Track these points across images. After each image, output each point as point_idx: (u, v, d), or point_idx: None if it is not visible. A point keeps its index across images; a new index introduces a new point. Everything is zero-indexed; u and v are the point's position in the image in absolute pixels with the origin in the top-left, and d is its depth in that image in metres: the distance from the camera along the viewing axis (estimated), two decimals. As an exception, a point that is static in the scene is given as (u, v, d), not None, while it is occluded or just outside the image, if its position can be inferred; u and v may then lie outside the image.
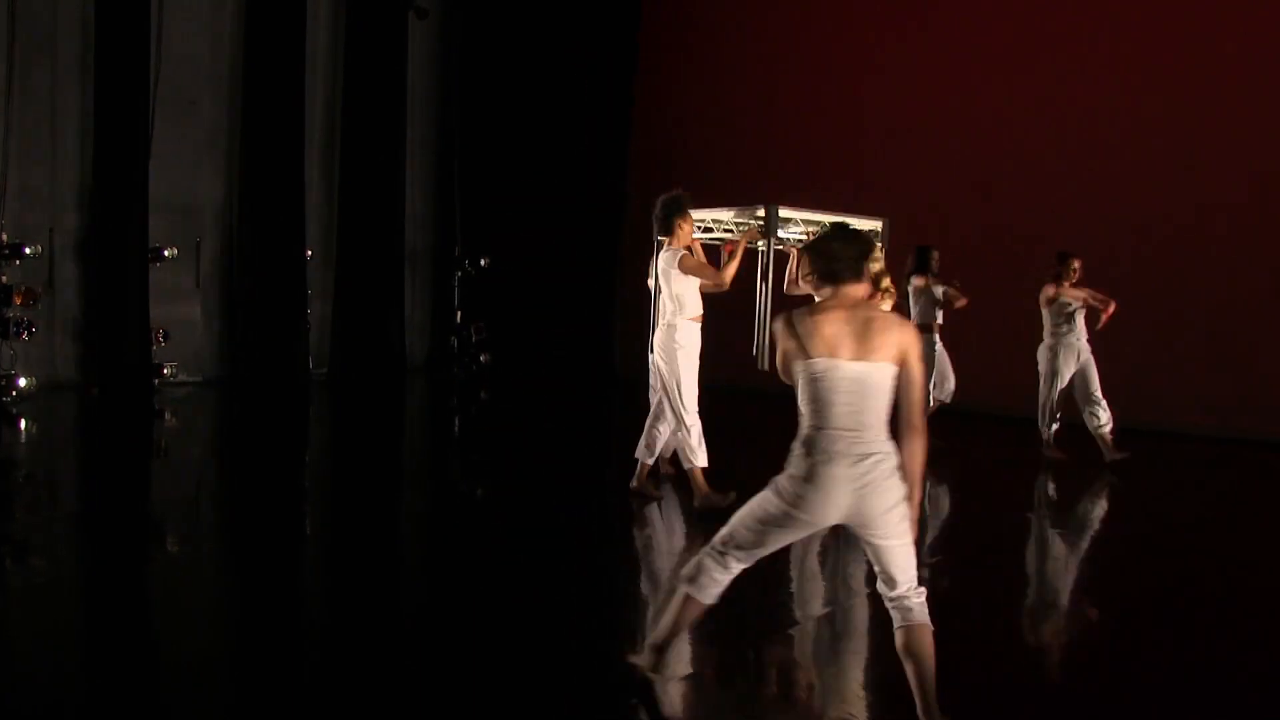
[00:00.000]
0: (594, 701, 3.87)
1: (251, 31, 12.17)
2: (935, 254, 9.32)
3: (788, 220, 6.65)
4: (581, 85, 14.62)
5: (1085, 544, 6.90)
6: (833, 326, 3.33)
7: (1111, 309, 8.65)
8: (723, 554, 3.50)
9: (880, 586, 3.43)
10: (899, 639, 3.40)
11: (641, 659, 3.66)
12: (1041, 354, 8.98)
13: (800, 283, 7.11)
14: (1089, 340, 8.83)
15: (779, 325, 3.44)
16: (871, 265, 3.56)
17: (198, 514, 6.92)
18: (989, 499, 8.00)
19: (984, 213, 11.82)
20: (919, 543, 3.47)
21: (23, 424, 9.23)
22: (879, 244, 6.20)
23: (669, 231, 6.53)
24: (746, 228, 6.72)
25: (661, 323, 6.66)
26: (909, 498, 3.35)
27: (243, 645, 4.46)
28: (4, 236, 10.17)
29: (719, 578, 3.52)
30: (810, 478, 3.29)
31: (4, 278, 10.12)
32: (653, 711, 3.60)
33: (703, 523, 6.38)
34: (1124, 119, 11.13)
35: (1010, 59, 11.90)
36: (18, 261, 10.16)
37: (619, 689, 3.78)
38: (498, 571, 5.56)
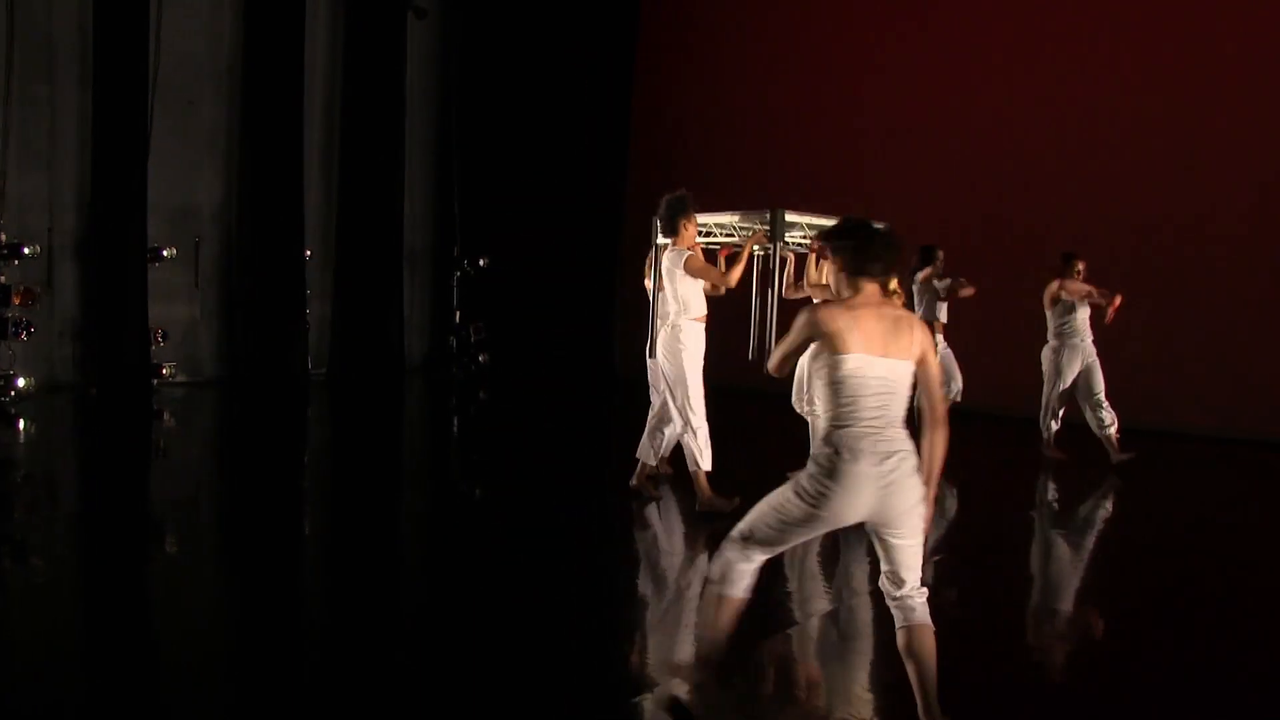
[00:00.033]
0: (594, 701, 3.86)
1: (250, 31, 12.16)
2: (940, 254, 9.29)
3: (792, 225, 6.63)
4: (581, 85, 14.61)
5: (1085, 544, 6.89)
6: (870, 323, 3.31)
7: (1118, 301, 8.64)
8: (744, 549, 3.49)
9: (885, 585, 3.43)
10: (901, 639, 3.40)
11: (680, 686, 3.61)
12: (1045, 355, 8.96)
13: (813, 275, 7.12)
14: (1094, 341, 8.80)
15: (814, 316, 3.34)
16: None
17: (196, 514, 6.91)
18: (989, 499, 7.98)
19: (984, 213, 11.81)
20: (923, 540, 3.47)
21: (21, 424, 9.22)
22: None
23: (674, 231, 6.50)
24: (753, 232, 6.69)
25: (665, 323, 6.64)
26: (925, 494, 3.34)
27: (242, 646, 4.45)
28: (3, 236, 10.16)
29: (745, 569, 3.51)
30: (835, 475, 3.26)
31: (3, 278, 10.12)
32: None
33: (702, 524, 6.39)
34: (1124, 119, 11.13)
35: (1010, 59, 11.89)
36: (16, 261, 10.16)
37: (619, 689, 3.78)
38: (497, 571, 5.55)
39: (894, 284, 6.01)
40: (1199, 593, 5.62)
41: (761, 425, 10.69)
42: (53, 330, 11.00)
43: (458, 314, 14.45)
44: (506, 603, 4.98)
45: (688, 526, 6.53)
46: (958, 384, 9.37)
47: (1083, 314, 8.78)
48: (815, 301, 3.51)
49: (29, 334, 10.21)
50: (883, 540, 3.37)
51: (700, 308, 6.58)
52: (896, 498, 3.28)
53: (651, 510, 6.81)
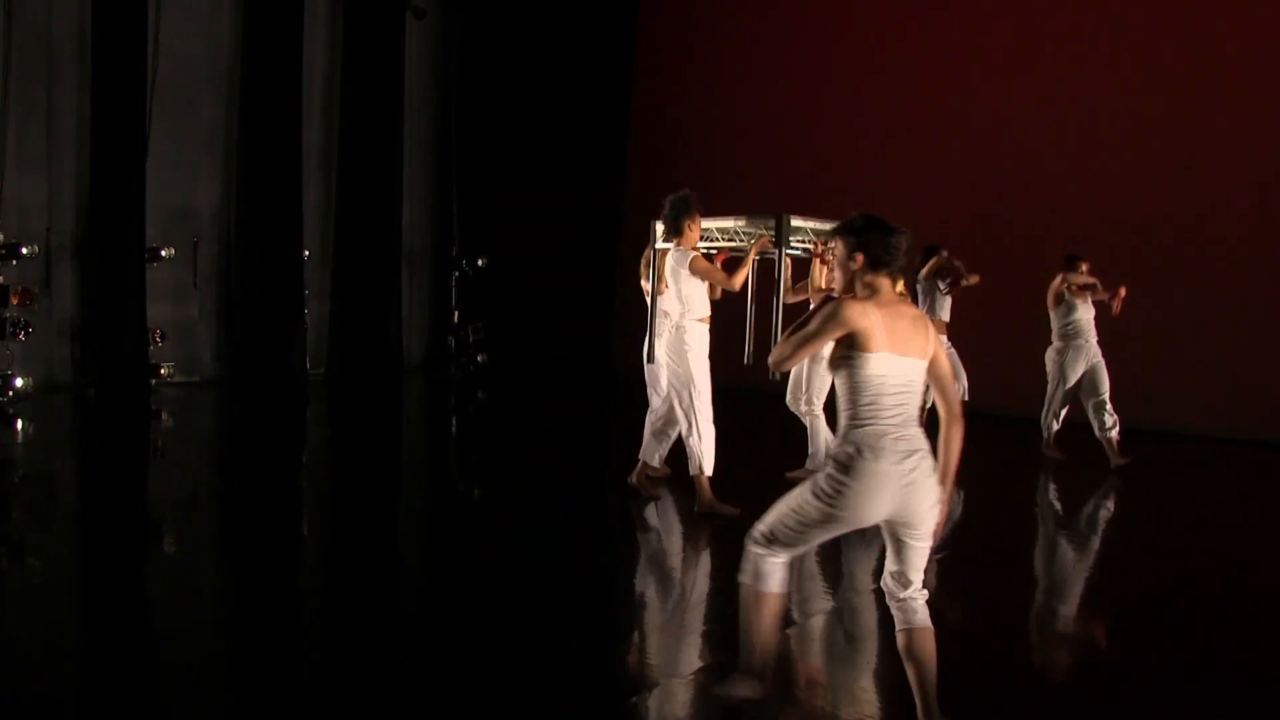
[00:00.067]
0: (594, 701, 3.85)
1: (249, 32, 12.14)
2: (944, 254, 9.25)
3: (795, 230, 6.61)
4: (580, 85, 14.60)
5: (1085, 544, 6.88)
6: (892, 321, 3.28)
7: (1122, 292, 8.63)
8: (768, 549, 3.46)
9: (889, 585, 3.41)
10: (901, 641, 3.38)
11: (738, 687, 3.56)
12: (1049, 356, 8.92)
13: (816, 280, 7.09)
14: (1099, 341, 8.77)
15: (844, 313, 3.25)
16: None
17: (195, 515, 6.89)
18: (989, 499, 7.97)
19: (984, 213, 11.81)
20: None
21: (19, 424, 9.20)
22: None
23: (678, 231, 6.46)
24: (758, 236, 6.66)
25: (669, 324, 6.62)
26: (942, 495, 3.33)
27: (242, 646, 4.43)
28: (1, 236, 10.14)
29: (775, 563, 3.47)
30: (856, 474, 3.22)
31: (1, 278, 10.09)
32: None
33: (701, 524, 6.38)
34: (1124, 119, 11.12)
35: (1010, 59, 11.88)
36: (14, 262, 10.13)
37: (618, 689, 3.77)
38: (497, 571, 5.54)
39: (900, 284, 6.01)
40: (1199, 593, 5.61)
41: (761, 425, 10.67)
42: (51, 330, 10.97)
43: (456, 314, 14.44)
44: (506, 603, 4.97)
45: (686, 527, 6.52)
46: (963, 383, 9.35)
47: (1086, 314, 8.74)
48: (840, 297, 3.42)
49: (27, 334, 10.18)
50: (898, 541, 3.34)
51: (705, 308, 6.55)
52: (917, 497, 3.26)
53: (650, 510, 6.79)
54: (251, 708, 3.75)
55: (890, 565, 3.40)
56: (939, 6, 12.44)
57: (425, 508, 7.44)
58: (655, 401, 7.15)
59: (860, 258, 3.37)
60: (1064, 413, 9.00)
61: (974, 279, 9.13)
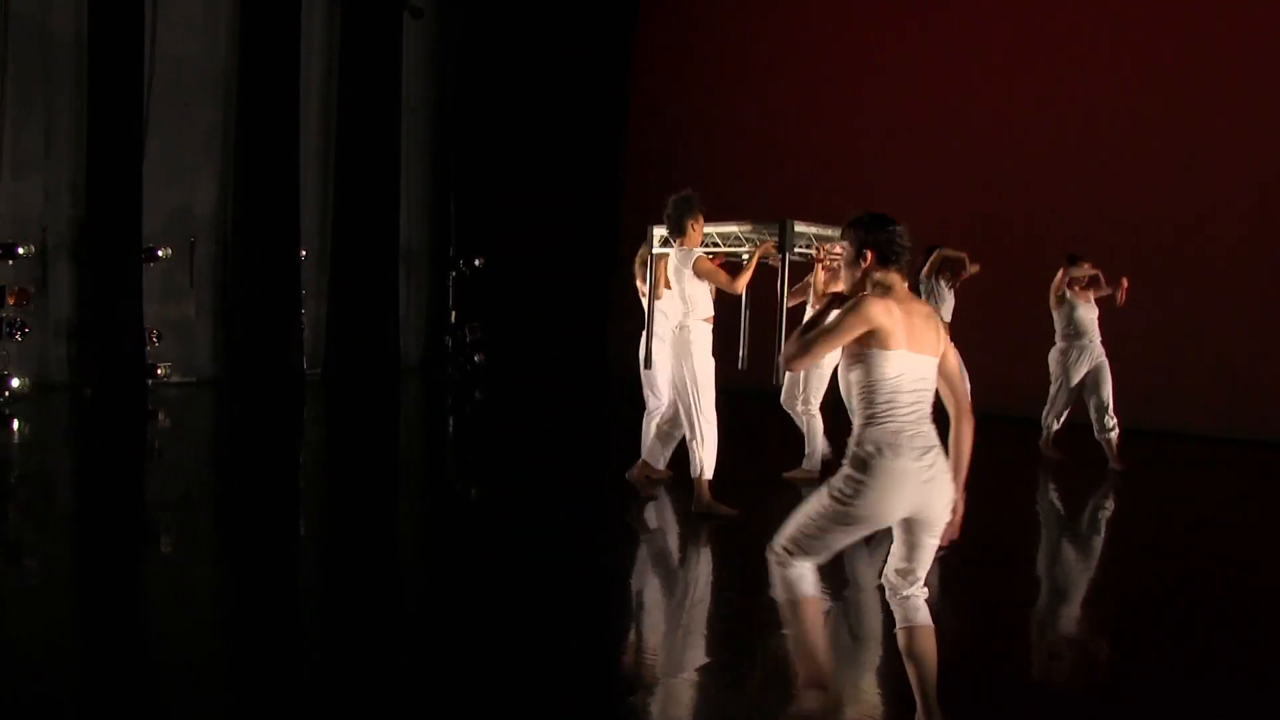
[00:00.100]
0: (594, 701, 3.82)
1: (246, 32, 12.12)
2: (941, 249, 9.22)
3: (799, 235, 6.58)
4: (577, 85, 14.58)
5: (1085, 544, 6.86)
6: (910, 318, 3.25)
7: (1125, 283, 8.61)
8: (791, 560, 3.37)
9: (892, 580, 3.37)
10: (901, 639, 3.35)
11: (807, 700, 3.49)
12: (1052, 356, 8.86)
13: (820, 284, 7.06)
14: (1102, 341, 8.73)
15: (869, 310, 3.19)
16: None
17: (192, 515, 6.85)
18: (989, 499, 7.93)
19: (984, 213, 11.78)
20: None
21: (16, 425, 9.17)
22: None
23: (681, 231, 6.41)
24: (761, 241, 6.63)
25: (672, 325, 6.58)
26: (955, 485, 3.30)
27: (241, 646, 4.40)
28: (-3, 236, 10.13)
29: (802, 569, 3.38)
30: (876, 473, 3.18)
31: (-3, 277, 10.08)
32: None
33: (698, 524, 6.35)
34: (1124, 119, 11.11)
35: (1010, 59, 11.86)
36: (10, 261, 10.10)
37: (618, 688, 3.74)
38: (495, 571, 5.51)
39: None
40: (1199, 593, 5.59)
41: (761, 425, 10.64)
42: (47, 330, 10.94)
43: (453, 314, 14.43)
44: (505, 602, 4.94)
45: (683, 527, 6.49)
46: (966, 383, 9.29)
47: (1089, 313, 8.70)
48: (862, 294, 3.35)
49: (23, 334, 10.15)
50: (911, 538, 3.30)
51: (708, 308, 6.50)
52: (936, 494, 3.23)
53: (648, 510, 6.76)
54: (251, 708, 3.73)
55: (897, 562, 3.36)
56: (939, 6, 12.42)
57: (423, 508, 7.41)
58: (652, 403, 7.13)
59: (870, 255, 3.34)
60: (1065, 414, 8.96)
61: (974, 268, 9.09)
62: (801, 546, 3.35)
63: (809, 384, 7.50)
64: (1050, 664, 4.57)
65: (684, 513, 6.60)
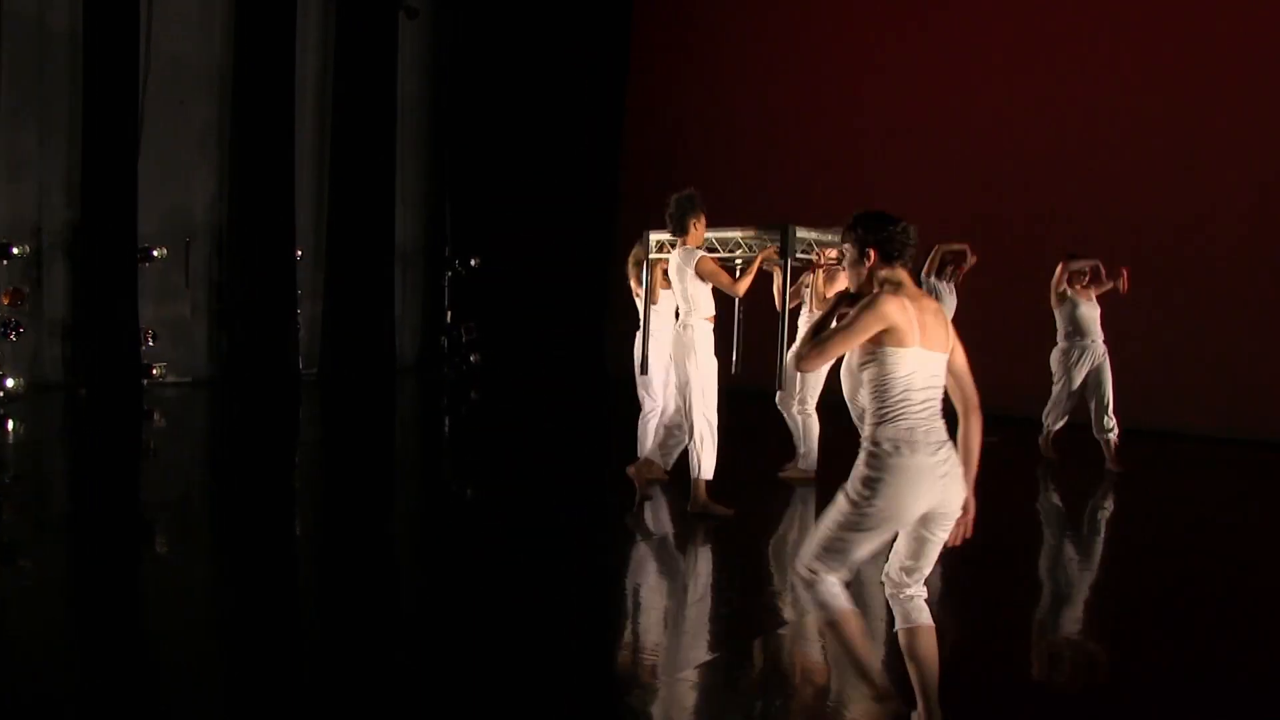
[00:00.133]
0: (593, 701, 3.79)
1: (241, 30, 12.11)
2: (937, 249, 9.17)
3: (801, 240, 6.54)
4: (574, 84, 14.55)
5: (1085, 544, 6.82)
6: (922, 315, 3.23)
7: (1125, 272, 8.57)
8: (820, 577, 3.32)
9: (895, 577, 3.35)
10: (902, 639, 3.33)
11: (886, 708, 3.46)
12: (1054, 356, 8.80)
13: (820, 289, 7.02)
14: (1104, 341, 8.68)
15: (885, 308, 3.16)
16: None
17: (188, 515, 6.83)
18: (989, 498, 7.88)
19: (984, 213, 11.73)
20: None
21: (10, 425, 9.15)
22: None
23: (683, 230, 6.37)
24: (763, 245, 6.59)
25: (674, 324, 6.54)
26: (966, 481, 3.30)
27: (239, 646, 4.37)
28: (-9, 235, 10.10)
29: (832, 584, 3.32)
30: (894, 470, 3.15)
31: (-8, 277, 10.06)
32: None
33: (695, 524, 6.32)
34: (1124, 119, 11.08)
35: (1010, 59, 11.83)
36: (5, 261, 10.08)
37: (617, 688, 3.71)
38: (493, 571, 5.49)
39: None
40: (1199, 593, 5.56)
41: (759, 425, 10.60)
42: (42, 330, 10.93)
43: (449, 314, 14.41)
44: (504, 602, 4.91)
45: (680, 527, 6.45)
46: None
47: (1091, 312, 8.64)
48: (877, 292, 3.31)
49: (18, 334, 10.14)
50: (921, 535, 3.27)
51: (709, 307, 6.45)
52: (953, 490, 3.23)
53: (646, 510, 6.72)
54: (249, 708, 3.71)
55: (902, 560, 3.33)
56: (939, 6, 12.40)
57: (419, 507, 7.39)
58: (648, 405, 7.10)
59: (873, 254, 3.31)
60: (1067, 415, 8.89)
61: (973, 259, 9.06)
62: (825, 561, 3.30)
63: (806, 384, 7.47)
64: (1050, 664, 4.54)
65: (680, 512, 6.57)
